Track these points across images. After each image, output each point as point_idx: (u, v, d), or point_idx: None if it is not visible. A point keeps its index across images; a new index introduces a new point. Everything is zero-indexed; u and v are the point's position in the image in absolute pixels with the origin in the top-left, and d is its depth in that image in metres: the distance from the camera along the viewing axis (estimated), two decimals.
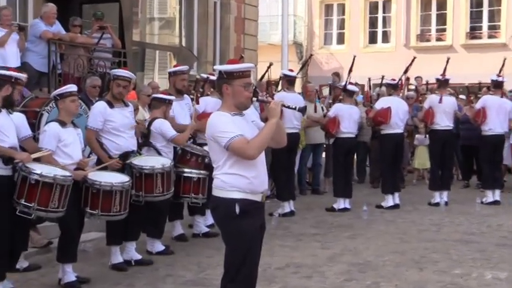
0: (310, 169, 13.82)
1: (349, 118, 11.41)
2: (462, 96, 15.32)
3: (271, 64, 11.58)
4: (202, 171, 8.43)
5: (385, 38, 28.20)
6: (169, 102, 8.51)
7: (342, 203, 11.40)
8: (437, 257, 8.14)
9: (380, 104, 11.73)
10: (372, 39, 28.32)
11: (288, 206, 11.00)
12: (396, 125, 11.62)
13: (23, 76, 6.96)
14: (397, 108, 11.60)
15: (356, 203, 11.62)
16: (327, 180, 13.60)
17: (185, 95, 9.34)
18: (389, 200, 11.68)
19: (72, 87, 7.05)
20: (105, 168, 7.28)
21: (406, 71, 12.35)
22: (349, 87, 11.59)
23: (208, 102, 9.52)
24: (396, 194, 11.78)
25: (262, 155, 4.81)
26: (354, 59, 12.00)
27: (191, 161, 8.58)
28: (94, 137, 7.49)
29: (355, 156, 13.49)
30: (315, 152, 13.42)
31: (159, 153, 8.20)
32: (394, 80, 11.99)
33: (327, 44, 29.15)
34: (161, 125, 8.26)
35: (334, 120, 11.34)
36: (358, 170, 15.01)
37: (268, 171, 5.00)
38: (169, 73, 9.31)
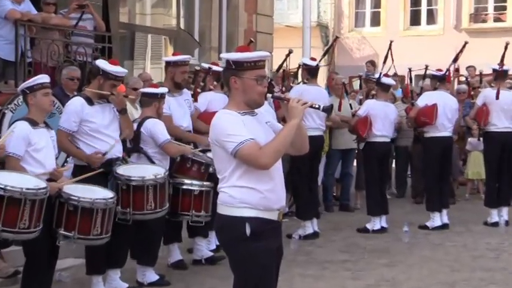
0: (338, 180, 13.82)
1: (383, 118, 11.39)
2: None
3: (290, 52, 11.58)
4: (205, 183, 8.44)
5: (431, 18, 28.14)
6: (162, 96, 8.52)
7: (377, 223, 11.38)
8: None
9: (423, 100, 11.69)
10: (415, 20, 28.26)
11: (310, 226, 10.99)
12: (443, 126, 11.58)
13: None
14: (445, 106, 11.56)
15: (395, 223, 11.59)
16: (359, 193, 13.58)
17: (184, 90, 9.36)
18: (436, 219, 11.65)
19: (43, 78, 7.08)
20: (84, 180, 7.28)
21: (455, 59, 12.30)
22: (384, 79, 11.58)
23: (211, 98, 9.52)
24: (444, 212, 11.74)
25: (279, 164, 4.82)
26: (390, 45, 11.98)
27: (192, 170, 8.58)
28: (66, 139, 7.49)
29: (394, 165, 13.47)
30: (344, 160, 13.42)
31: (152, 161, 8.21)
32: (440, 70, 11.95)
33: (359, 25, 29.13)
34: (153, 126, 8.27)
35: (365, 121, 11.33)
36: (397, 181, 14.98)
37: (285, 183, 5.01)
38: (168, 63, 9.32)
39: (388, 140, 11.66)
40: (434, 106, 11.46)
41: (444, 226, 11.62)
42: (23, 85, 7.15)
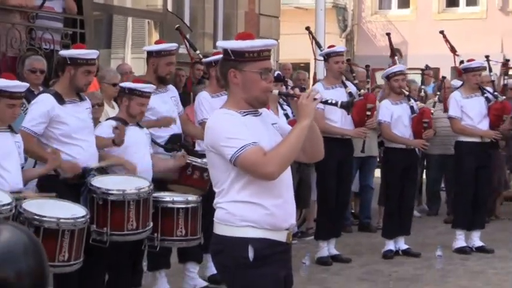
0: (356, 194, 13.87)
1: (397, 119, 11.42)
2: None
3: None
4: (176, 198, 8.18)
5: None
6: (144, 95, 8.34)
7: (391, 245, 11.44)
8: None
9: None
10: (452, 0, 28.23)
11: (325, 248, 11.02)
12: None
13: None
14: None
15: (426, 246, 11.64)
16: (382, 210, 13.56)
17: (170, 86, 9.37)
18: (460, 238, 11.75)
19: (19, 87, 7.04)
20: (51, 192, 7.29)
21: None
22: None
23: None
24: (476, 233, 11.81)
25: (287, 174, 4.87)
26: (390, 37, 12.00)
27: (193, 178, 8.56)
28: (32, 140, 7.49)
29: (425, 176, 13.41)
30: (363, 169, 13.47)
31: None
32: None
33: (384, 7, 29.13)
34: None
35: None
36: (428, 195, 14.95)
37: (296, 197, 5.04)
38: (150, 53, 9.31)
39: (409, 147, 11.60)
40: None
41: (482, 249, 11.67)
42: None
